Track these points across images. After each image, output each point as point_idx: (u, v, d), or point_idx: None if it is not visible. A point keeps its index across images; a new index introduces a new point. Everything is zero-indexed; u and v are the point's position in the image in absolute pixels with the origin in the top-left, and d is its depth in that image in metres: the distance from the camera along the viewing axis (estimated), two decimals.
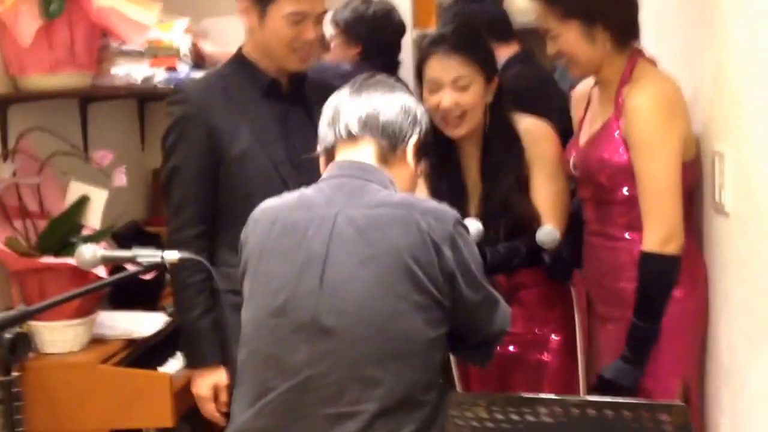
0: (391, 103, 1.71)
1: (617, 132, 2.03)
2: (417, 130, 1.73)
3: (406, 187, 1.75)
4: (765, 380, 1.63)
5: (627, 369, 1.96)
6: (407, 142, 1.71)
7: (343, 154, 1.71)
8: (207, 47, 3.23)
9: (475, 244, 1.78)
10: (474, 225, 1.98)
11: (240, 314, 1.71)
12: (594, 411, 1.47)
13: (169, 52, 3.04)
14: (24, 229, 2.39)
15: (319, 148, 1.75)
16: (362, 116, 1.69)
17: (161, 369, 2.38)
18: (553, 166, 2.18)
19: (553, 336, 2.23)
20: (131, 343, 2.45)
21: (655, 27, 2.16)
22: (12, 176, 2.40)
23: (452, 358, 2.19)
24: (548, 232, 2.06)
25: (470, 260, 1.64)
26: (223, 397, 2.09)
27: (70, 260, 2.18)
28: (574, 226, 2.18)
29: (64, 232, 2.39)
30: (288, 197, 1.72)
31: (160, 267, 1.78)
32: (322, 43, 3.07)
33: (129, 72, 2.78)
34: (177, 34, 3.09)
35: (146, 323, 2.53)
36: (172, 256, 1.75)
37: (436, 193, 2.16)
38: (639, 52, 2.08)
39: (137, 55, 2.86)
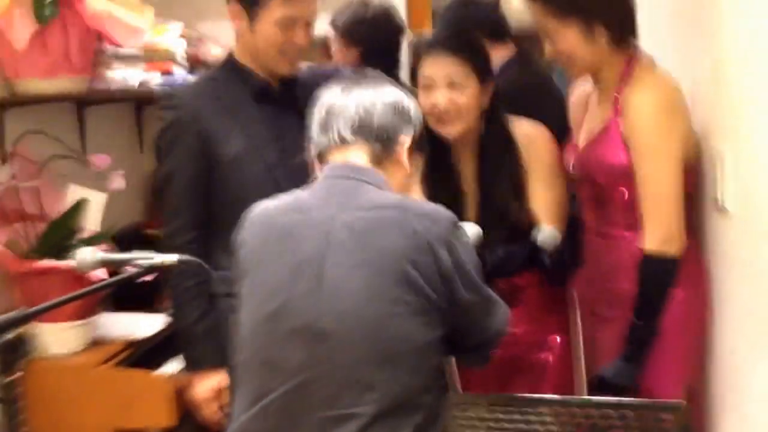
0: (383, 103, 1.69)
1: (617, 133, 2.02)
2: (410, 128, 1.72)
3: (401, 187, 1.75)
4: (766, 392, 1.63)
5: (626, 368, 1.96)
6: (400, 143, 1.71)
7: (336, 157, 1.70)
8: (213, 51, 3.24)
9: (473, 246, 1.78)
10: (472, 229, 1.98)
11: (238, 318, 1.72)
12: (596, 411, 1.48)
13: (164, 56, 3.05)
14: (23, 232, 2.39)
15: (312, 152, 1.74)
16: (355, 122, 1.68)
17: (162, 370, 2.38)
18: (550, 170, 2.18)
19: (553, 337, 2.23)
20: (132, 344, 2.45)
21: (652, 26, 2.16)
22: (11, 180, 2.41)
23: (452, 359, 2.19)
24: (549, 233, 2.06)
25: (467, 262, 1.63)
26: (224, 399, 2.09)
27: (69, 263, 2.18)
28: (572, 227, 2.18)
29: (63, 234, 2.40)
30: (282, 199, 1.72)
31: (158, 269, 1.79)
32: (327, 53, 3.08)
33: (125, 76, 2.79)
34: (172, 38, 3.10)
35: (147, 325, 2.54)
36: (170, 258, 1.76)
37: (432, 198, 2.15)
38: (637, 52, 2.07)
39: (133, 59, 2.87)
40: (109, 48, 2.73)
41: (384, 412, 1.56)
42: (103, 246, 2.41)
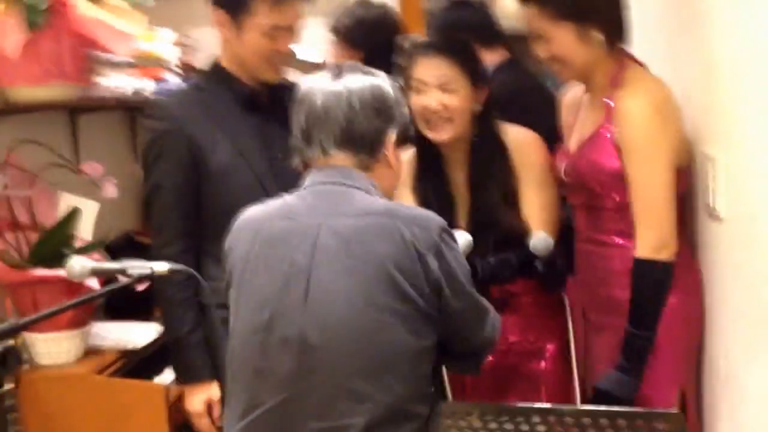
0: (363, 106, 1.65)
1: (608, 137, 2.02)
2: (394, 123, 1.70)
3: (390, 185, 1.75)
4: (763, 386, 1.62)
5: (623, 379, 1.94)
6: (386, 142, 1.69)
7: (322, 163, 1.69)
8: (207, 57, 3.23)
9: (463, 253, 1.77)
10: (463, 236, 1.97)
11: (229, 328, 1.71)
12: (589, 420, 1.47)
13: (157, 63, 3.04)
14: (16, 242, 2.39)
15: (297, 160, 1.73)
16: (337, 135, 1.66)
17: (156, 379, 2.38)
18: (542, 175, 2.17)
19: (548, 344, 2.22)
20: (126, 353, 2.45)
21: (643, 29, 2.15)
22: (3, 189, 2.40)
23: (444, 368, 2.18)
24: (542, 239, 2.05)
25: (456, 268, 1.63)
26: (216, 411, 2.08)
27: (62, 272, 2.17)
28: (565, 233, 2.17)
29: (55, 244, 2.38)
30: (270, 205, 1.71)
31: (150, 278, 1.78)
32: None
33: (118, 83, 2.78)
34: (165, 45, 3.09)
35: (140, 334, 2.53)
36: (161, 267, 1.75)
37: (423, 204, 2.15)
38: (628, 56, 2.07)
39: (126, 66, 2.86)
40: (101, 55, 2.72)
41: (376, 423, 1.56)
42: (96, 255, 2.40)
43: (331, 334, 1.56)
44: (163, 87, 2.99)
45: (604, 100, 2.04)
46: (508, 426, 1.51)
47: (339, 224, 1.60)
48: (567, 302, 2.23)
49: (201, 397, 2.10)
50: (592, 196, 2.07)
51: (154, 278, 1.77)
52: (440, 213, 1.68)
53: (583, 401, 2.18)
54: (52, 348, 2.32)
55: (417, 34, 3.45)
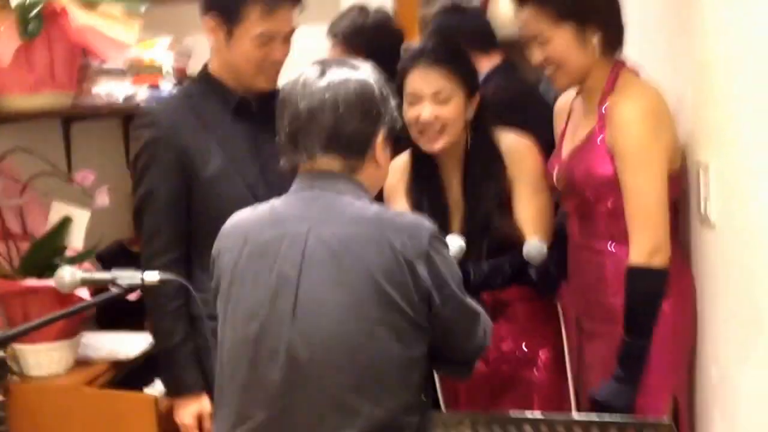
0: (350, 108, 1.60)
1: (601, 143, 2.01)
2: (382, 122, 1.65)
3: (379, 183, 1.73)
4: (755, 391, 1.62)
5: (620, 389, 1.92)
6: (374, 142, 1.65)
7: (309, 167, 1.65)
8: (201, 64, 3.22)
9: (455, 259, 1.75)
10: (456, 242, 1.96)
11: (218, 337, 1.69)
12: (581, 430, 1.46)
13: (151, 70, 3.03)
14: (6, 252, 2.37)
15: (284, 164, 1.69)
16: (323, 139, 1.61)
17: (147, 390, 2.36)
18: (536, 182, 2.16)
19: (541, 352, 2.21)
20: (117, 364, 2.43)
21: (637, 35, 2.15)
22: None
23: (436, 377, 2.17)
24: (535, 246, 2.05)
25: (447, 275, 1.60)
26: (207, 424, 2.06)
27: (52, 282, 2.15)
28: (558, 240, 2.16)
29: (46, 253, 2.37)
30: (259, 211, 1.69)
31: (140, 288, 1.76)
32: None
33: (111, 91, 2.77)
34: (159, 52, 3.08)
35: (132, 344, 2.51)
36: (152, 277, 1.73)
37: (417, 210, 2.15)
38: (622, 62, 2.07)
39: (119, 73, 2.85)
40: (95, 63, 2.71)
41: None
42: (87, 264, 2.39)
43: (319, 348, 1.54)
44: (156, 94, 2.98)
45: (597, 105, 2.04)
46: None
47: (327, 234, 1.58)
48: (560, 309, 2.22)
49: (191, 410, 2.08)
50: (584, 202, 2.06)
51: (144, 288, 1.76)
52: (434, 219, 1.67)
53: (578, 408, 2.18)
54: (42, 359, 2.30)
55: (413, 39, 3.46)
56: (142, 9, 2.58)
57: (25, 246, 2.39)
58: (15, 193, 2.45)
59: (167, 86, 3.08)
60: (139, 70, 3.03)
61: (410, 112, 2.14)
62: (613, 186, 1.98)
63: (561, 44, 2.00)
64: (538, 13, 2.00)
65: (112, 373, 2.38)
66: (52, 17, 2.42)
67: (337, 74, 1.64)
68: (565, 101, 2.24)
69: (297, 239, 1.59)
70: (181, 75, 3.22)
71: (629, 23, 2.07)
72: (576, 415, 1.98)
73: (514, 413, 1.64)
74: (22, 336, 2.06)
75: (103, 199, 2.53)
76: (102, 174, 2.68)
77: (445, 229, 2.01)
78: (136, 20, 2.64)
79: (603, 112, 2.02)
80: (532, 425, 1.50)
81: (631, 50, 2.11)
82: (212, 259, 1.71)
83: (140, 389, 2.36)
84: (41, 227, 2.44)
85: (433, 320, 1.60)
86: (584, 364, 2.16)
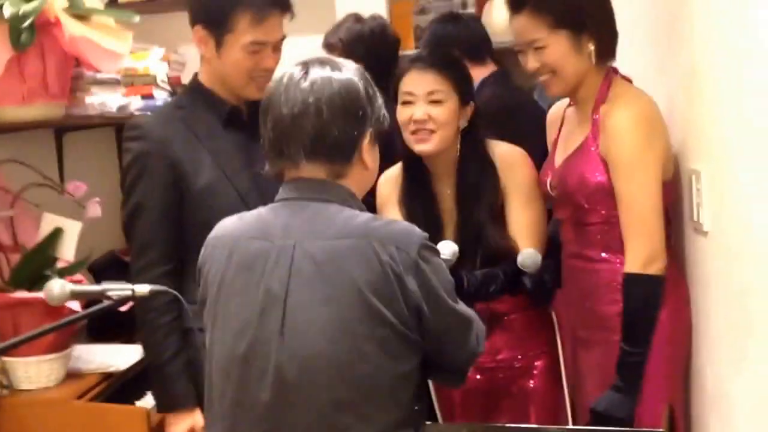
0: (333, 112, 1.55)
1: (595, 151, 2.01)
2: (368, 125, 1.60)
3: (367, 185, 1.68)
4: (751, 398, 1.60)
5: (620, 399, 1.91)
6: (360, 145, 1.60)
7: (294, 174, 1.62)
8: None
9: (449, 263, 1.73)
10: (449, 247, 1.95)
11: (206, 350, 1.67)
12: None
13: (145, 80, 3.02)
14: None
15: (269, 170, 1.65)
16: (306, 145, 1.57)
17: (138, 403, 2.33)
18: (529, 192, 2.15)
19: (536, 362, 2.20)
20: (108, 377, 2.40)
21: (627, 44, 2.15)
22: None
23: (432, 386, 2.15)
24: (530, 255, 2.03)
25: (437, 285, 1.56)
26: None
27: (43, 294, 2.13)
28: (552, 248, 2.15)
29: (37, 265, 2.35)
30: (245, 220, 1.65)
31: (131, 300, 1.74)
32: None
33: (104, 101, 2.75)
34: (153, 62, 3.07)
35: (123, 356, 2.49)
36: (142, 289, 1.72)
37: (410, 221, 2.13)
38: (614, 71, 2.07)
39: (113, 83, 2.84)
40: (88, 73, 2.70)
41: None
42: (78, 276, 2.37)
43: (307, 368, 1.51)
44: (150, 104, 2.96)
45: (590, 114, 2.03)
46: None
47: (314, 247, 1.54)
48: (555, 318, 2.21)
49: (184, 426, 2.05)
50: (578, 211, 2.05)
51: (135, 301, 1.74)
52: (427, 229, 1.64)
53: (573, 417, 2.16)
54: (32, 372, 2.28)
55: (408, 48, 3.46)
56: (136, 19, 2.57)
57: (16, 257, 2.37)
58: (6, 204, 2.43)
59: (161, 96, 3.08)
60: (133, 80, 3.02)
61: (404, 112, 2.13)
62: (606, 194, 1.98)
63: (557, 51, 1.99)
64: (534, 20, 2.00)
65: (103, 386, 2.35)
66: (44, 28, 2.41)
67: (320, 76, 1.58)
68: (557, 110, 2.24)
69: (283, 253, 1.56)
70: (175, 85, 3.21)
71: (619, 32, 2.07)
72: (571, 428, 1.97)
73: (510, 425, 1.62)
74: (12, 349, 2.04)
75: (95, 210, 2.52)
76: (95, 184, 2.67)
77: (439, 239, 2.00)
78: (130, 30, 2.63)
79: (596, 120, 2.02)
80: None
81: (621, 58, 2.10)
82: (198, 269, 1.69)
83: (132, 402, 2.33)
84: (32, 238, 2.42)
85: (424, 331, 1.57)
86: (580, 373, 2.15)
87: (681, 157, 2.01)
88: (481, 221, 2.12)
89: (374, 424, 1.53)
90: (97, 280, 2.71)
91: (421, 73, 2.13)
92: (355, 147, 1.60)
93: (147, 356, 2.11)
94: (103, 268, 2.81)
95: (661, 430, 1.77)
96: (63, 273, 2.33)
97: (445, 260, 1.90)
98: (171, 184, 2.04)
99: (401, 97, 2.15)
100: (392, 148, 2.18)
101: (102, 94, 2.78)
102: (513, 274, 2.05)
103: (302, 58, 1.66)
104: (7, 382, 2.31)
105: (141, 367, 2.44)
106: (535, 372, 2.20)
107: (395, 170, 2.27)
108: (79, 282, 2.32)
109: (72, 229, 2.42)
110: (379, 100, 1.65)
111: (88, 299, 2.10)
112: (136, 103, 2.94)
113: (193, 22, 2.10)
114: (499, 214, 2.14)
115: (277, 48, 2.10)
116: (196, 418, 2.04)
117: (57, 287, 1.73)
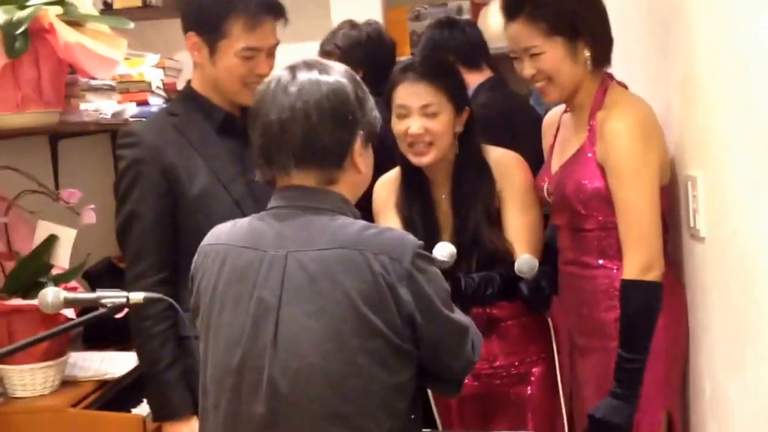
0: (322, 118, 1.52)
1: (592, 157, 2.00)
2: (359, 128, 1.58)
3: (360, 189, 1.66)
4: (749, 405, 1.60)
5: (618, 405, 1.90)
6: (351, 150, 1.57)
7: (285, 181, 1.60)
8: None
9: (448, 265, 1.72)
10: (447, 249, 1.94)
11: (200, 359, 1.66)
12: None
13: (140, 87, 3.02)
14: None
15: (260, 177, 1.63)
16: (296, 152, 1.54)
17: (135, 411, 2.32)
18: (524, 196, 2.15)
19: (533, 368, 2.19)
20: (104, 384, 2.39)
21: (622, 50, 2.15)
22: None
23: (431, 394, 2.14)
24: (527, 260, 2.03)
25: (432, 294, 1.53)
26: None
27: (36, 302, 2.13)
28: (549, 254, 2.15)
29: (32, 272, 2.34)
30: (238, 228, 1.64)
31: (126, 308, 1.74)
32: None
33: (99, 107, 2.75)
34: (148, 69, 3.07)
35: (119, 363, 2.48)
36: (137, 296, 1.71)
37: (408, 224, 2.14)
38: (610, 77, 2.07)
39: (108, 90, 2.83)
40: (83, 80, 2.69)
41: None
42: (73, 283, 2.36)
43: (300, 380, 1.50)
44: (146, 110, 2.96)
45: (587, 120, 2.03)
46: None
47: (306, 258, 1.52)
48: (552, 325, 2.20)
49: None
50: (575, 217, 2.05)
51: (130, 308, 1.73)
52: (424, 233, 1.64)
53: (570, 424, 2.15)
54: (27, 380, 2.27)
55: (404, 54, 3.46)
56: (131, 26, 2.56)
57: (10, 265, 2.37)
58: (0, 211, 2.43)
59: (156, 103, 3.07)
60: (128, 87, 3.02)
61: (399, 126, 2.13)
62: (603, 200, 1.97)
63: (552, 58, 1.99)
64: (529, 27, 2.00)
65: (99, 393, 2.34)
66: (39, 34, 2.40)
67: (308, 80, 1.55)
68: (553, 115, 2.23)
69: (276, 263, 1.54)
70: (170, 91, 3.21)
71: (615, 38, 2.07)
72: None
73: None
74: (8, 357, 2.04)
75: (89, 216, 2.51)
76: (90, 191, 2.66)
77: (435, 242, 1.99)
78: (124, 37, 2.63)
79: (593, 126, 2.01)
80: None
81: (617, 64, 2.11)
82: (191, 276, 1.68)
83: (128, 409, 2.32)
84: (27, 245, 2.41)
85: (419, 340, 1.55)
86: (577, 380, 2.14)
87: (677, 163, 2.01)
88: (477, 225, 2.12)
89: None
90: (93, 287, 2.70)
91: (414, 85, 2.11)
92: (345, 152, 1.57)
93: (142, 365, 2.10)
94: (99, 275, 2.80)
95: None
96: (58, 280, 2.32)
97: (443, 262, 1.90)
98: (165, 191, 2.03)
99: (395, 110, 2.14)
100: (391, 152, 2.18)
101: (97, 101, 2.78)
102: (510, 278, 2.05)
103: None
104: (2, 390, 2.30)
105: (137, 374, 2.44)
106: (532, 379, 2.19)
107: (392, 175, 2.26)
108: (74, 289, 2.31)
109: (67, 236, 2.41)
110: (370, 102, 1.62)
111: (83, 306, 2.10)
112: (131, 110, 2.93)
113: (186, 28, 2.10)
114: (495, 218, 2.14)
115: (270, 54, 2.10)
116: (193, 425, 2.02)
117: (51, 295, 1.73)
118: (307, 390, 1.50)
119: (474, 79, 2.92)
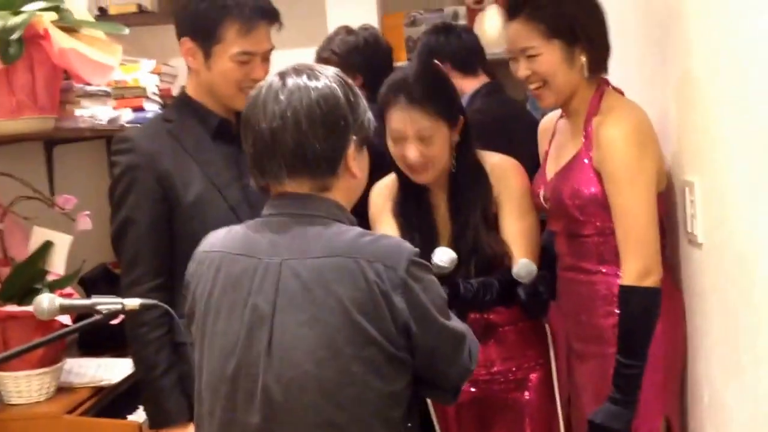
0: (313, 125, 1.50)
1: (588, 164, 2.00)
2: (351, 134, 1.54)
3: (357, 193, 1.65)
4: (747, 410, 1.60)
5: (617, 411, 1.89)
6: (344, 156, 1.56)
7: (279, 189, 1.59)
8: None
9: (445, 272, 1.71)
10: (448, 254, 1.94)
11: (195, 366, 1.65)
12: None
13: (136, 93, 3.01)
14: None
15: (254, 184, 1.62)
16: (288, 161, 1.53)
17: (130, 417, 2.32)
18: (522, 202, 2.15)
19: (531, 374, 2.19)
20: (100, 390, 2.38)
21: (619, 55, 2.15)
22: None
23: (429, 401, 2.13)
24: (525, 265, 2.02)
25: (427, 302, 1.52)
26: None
27: (30, 308, 2.12)
28: (546, 259, 2.14)
29: (27, 279, 2.33)
30: (233, 235, 1.63)
31: (121, 314, 1.73)
32: None
33: (94, 113, 2.74)
34: (144, 74, 3.07)
35: (115, 369, 2.47)
36: (132, 302, 1.70)
37: (406, 232, 2.13)
38: (606, 82, 2.07)
39: (103, 96, 2.83)
40: (78, 86, 2.68)
41: None
42: (69, 289, 2.35)
43: (294, 389, 1.49)
44: (140, 117, 2.96)
45: (582, 126, 2.03)
46: None
47: (300, 266, 1.51)
48: (549, 330, 2.20)
49: None
50: (572, 222, 2.05)
51: (125, 314, 1.72)
52: (422, 239, 1.63)
53: (567, 430, 2.15)
54: (22, 386, 2.26)
55: (400, 59, 3.46)
56: (126, 32, 2.56)
57: (5, 271, 2.36)
58: None
59: (152, 108, 3.07)
60: (123, 93, 3.01)
61: (395, 149, 2.12)
62: (600, 206, 1.97)
63: (549, 60, 1.99)
64: (528, 27, 2.00)
65: (95, 400, 2.33)
66: (33, 40, 2.39)
67: (297, 86, 1.53)
68: (548, 121, 2.24)
69: (270, 271, 1.53)
70: (166, 97, 3.20)
71: (612, 42, 2.07)
72: None
73: None
74: (3, 363, 2.02)
75: (85, 222, 2.50)
76: (85, 197, 2.66)
77: (434, 248, 1.99)
78: (120, 43, 2.62)
79: (589, 132, 2.01)
80: None
81: (614, 70, 2.11)
82: (186, 283, 1.67)
83: (123, 416, 2.31)
84: (22, 252, 2.40)
85: (414, 348, 1.53)
86: (575, 386, 2.14)
87: (674, 169, 2.01)
88: (475, 230, 2.11)
89: None
90: (89, 293, 2.69)
91: (407, 110, 2.06)
92: (339, 158, 1.55)
93: (138, 372, 2.09)
94: (95, 281, 2.80)
95: None
96: (53, 286, 2.31)
97: (443, 268, 1.90)
98: (160, 197, 2.03)
99: (390, 132, 2.12)
100: (384, 157, 2.17)
101: (92, 107, 2.77)
102: (508, 283, 2.04)
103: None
104: None
105: (133, 381, 2.43)
106: (530, 384, 2.19)
107: (388, 180, 2.26)
108: (69, 295, 2.30)
109: (62, 243, 2.40)
110: (363, 104, 1.60)
111: (79, 313, 2.09)
112: (126, 116, 2.92)
113: (181, 34, 2.10)
114: (493, 223, 2.13)
115: (265, 59, 2.09)
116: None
117: (46, 301, 1.72)
118: (301, 398, 1.49)
119: (470, 85, 2.92)
